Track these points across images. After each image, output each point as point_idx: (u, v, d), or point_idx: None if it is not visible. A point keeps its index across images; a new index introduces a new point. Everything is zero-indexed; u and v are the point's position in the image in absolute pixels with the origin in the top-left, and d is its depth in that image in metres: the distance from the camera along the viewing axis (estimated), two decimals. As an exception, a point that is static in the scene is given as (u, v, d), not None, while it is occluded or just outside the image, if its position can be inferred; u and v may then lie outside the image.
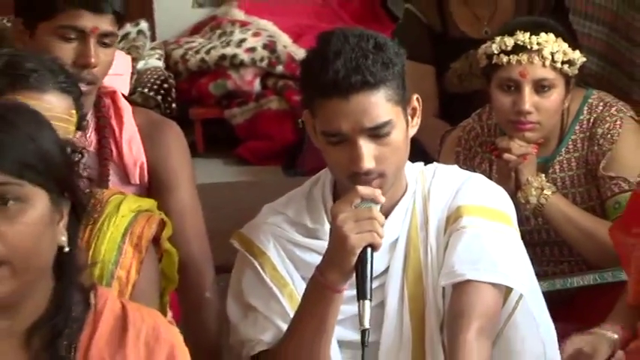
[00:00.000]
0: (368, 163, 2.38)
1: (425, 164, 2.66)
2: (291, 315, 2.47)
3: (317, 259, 2.43)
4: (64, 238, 1.91)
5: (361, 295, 2.31)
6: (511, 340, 2.52)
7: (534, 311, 2.53)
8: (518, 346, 2.53)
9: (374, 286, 2.40)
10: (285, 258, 2.55)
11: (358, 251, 2.31)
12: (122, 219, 2.52)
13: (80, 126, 2.45)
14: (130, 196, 2.63)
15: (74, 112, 2.42)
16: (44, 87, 2.37)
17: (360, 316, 2.29)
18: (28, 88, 2.35)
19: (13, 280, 1.83)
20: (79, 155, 2.41)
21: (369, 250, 2.32)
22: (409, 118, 2.47)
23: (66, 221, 1.92)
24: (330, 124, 2.40)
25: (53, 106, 2.37)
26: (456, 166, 2.69)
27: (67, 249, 1.92)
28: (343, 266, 2.33)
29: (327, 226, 2.45)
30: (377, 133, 2.39)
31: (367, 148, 2.39)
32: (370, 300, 2.30)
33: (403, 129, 2.44)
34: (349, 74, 2.36)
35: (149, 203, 2.63)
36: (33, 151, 1.86)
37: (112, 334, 1.94)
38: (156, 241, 2.58)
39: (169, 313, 2.99)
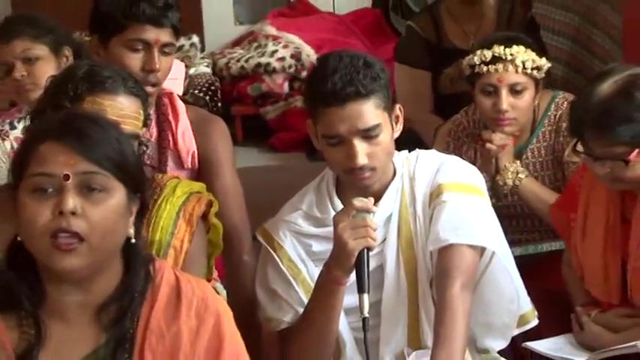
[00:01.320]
0: (362, 159, 2.39)
1: None
2: (305, 300, 2.48)
3: (325, 247, 2.45)
4: (131, 231, 1.90)
5: (360, 289, 2.31)
6: (487, 289, 2.52)
7: (507, 265, 2.52)
8: (495, 294, 2.53)
9: (374, 252, 2.42)
10: (299, 250, 2.55)
11: (356, 253, 2.32)
12: (177, 199, 2.52)
13: (146, 124, 2.45)
14: (184, 180, 2.63)
15: (141, 111, 2.41)
16: (117, 91, 2.37)
17: (361, 307, 2.30)
18: (104, 92, 2.35)
19: (89, 256, 1.81)
20: (144, 147, 2.44)
21: (365, 251, 2.33)
22: (393, 123, 2.48)
23: (134, 218, 1.91)
24: (330, 128, 2.41)
25: (124, 106, 2.36)
26: (434, 151, 2.70)
27: (133, 240, 1.91)
28: (344, 265, 2.34)
29: (332, 214, 2.44)
30: (368, 135, 2.40)
31: (361, 147, 2.39)
32: (368, 293, 2.31)
33: (389, 131, 2.45)
34: (345, 86, 2.37)
35: (199, 186, 2.62)
36: (117, 150, 1.86)
37: (167, 305, 1.90)
38: (205, 216, 2.57)
39: (215, 273, 3.01)
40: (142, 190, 1.93)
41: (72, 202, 1.78)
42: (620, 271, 2.74)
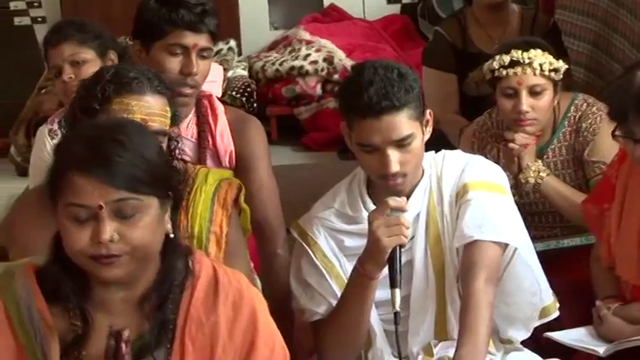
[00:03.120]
0: (395, 167, 2.39)
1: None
2: (338, 293, 2.48)
3: (358, 242, 2.45)
4: (169, 226, 1.90)
5: (392, 284, 2.32)
6: (510, 283, 2.52)
7: (528, 260, 2.52)
8: (517, 288, 2.53)
9: (404, 249, 2.41)
10: (333, 245, 2.55)
11: (389, 250, 2.32)
12: (210, 186, 2.53)
13: (174, 120, 2.43)
14: (213, 169, 2.64)
15: (168, 109, 2.40)
16: (143, 90, 2.35)
17: (393, 301, 2.30)
18: (131, 93, 2.34)
19: (130, 264, 1.83)
20: (175, 142, 2.44)
21: (398, 248, 2.33)
22: (424, 128, 2.47)
23: (169, 212, 1.91)
24: (365, 137, 2.40)
25: (151, 105, 2.35)
26: (459, 151, 2.69)
27: (172, 235, 1.90)
28: (378, 261, 2.34)
29: (364, 213, 2.45)
30: (401, 144, 2.39)
31: (394, 156, 2.39)
32: (400, 288, 2.31)
33: (420, 138, 2.44)
34: (380, 100, 2.36)
35: (228, 173, 2.63)
36: (142, 166, 1.83)
37: (206, 296, 1.91)
38: (234, 201, 2.57)
39: (251, 264, 3.02)
40: (173, 186, 1.91)
41: (108, 231, 1.78)
42: None
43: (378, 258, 2.34)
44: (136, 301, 1.89)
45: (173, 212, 1.92)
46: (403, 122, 2.38)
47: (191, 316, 1.88)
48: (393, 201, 2.34)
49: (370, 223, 2.34)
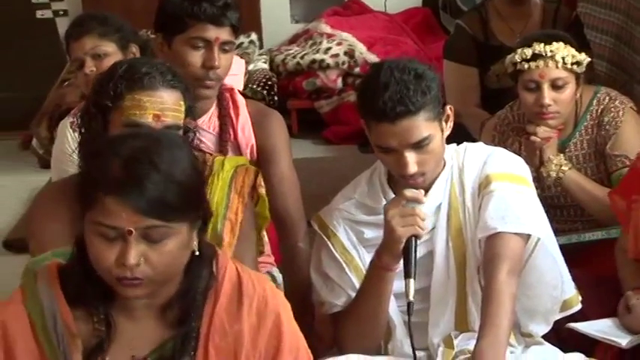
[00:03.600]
0: (412, 168, 2.39)
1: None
2: (357, 285, 2.48)
3: (377, 233, 2.44)
4: (195, 243, 1.87)
5: (407, 275, 2.32)
6: (531, 275, 2.51)
7: (552, 251, 2.51)
8: (538, 280, 2.52)
9: (424, 240, 2.43)
10: (352, 237, 2.55)
11: (404, 240, 2.32)
12: (227, 173, 2.54)
13: (190, 113, 2.40)
14: (229, 156, 2.64)
15: (182, 102, 2.37)
16: (156, 86, 2.33)
17: (406, 291, 2.31)
18: (143, 89, 2.32)
19: (152, 287, 1.82)
20: (192, 134, 2.43)
21: (413, 239, 2.33)
22: (444, 124, 2.46)
23: (196, 233, 1.87)
24: (381, 140, 2.40)
25: (164, 100, 2.32)
26: (481, 143, 2.68)
27: (197, 253, 1.88)
28: (393, 251, 2.35)
29: (384, 202, 2.44)
30: (419, 146, 2.38)
31: (411, 157, 2.38)
32: (414, 279, 2.31)
33: (439, 137, 2.43)
34: (395, 106, 2.34)
35: (244, 160, 2.63)
36: (174, 191, 1.79)
37: (230, 304, 1.89)
38: (252, 188, 2.57)
39: (272, 258, 3.02)
40: (204, 204, 1.89)
41: (134, 256, 1.76)
42: None
43: (393, 248, 2.34)
44: (159, 308, 1.88)
45: (200, 228, 1.89)
46: (420, 125, 2.37)
47: (214, 325, 1.87)
48: (410, 192, 2.34)
49: (385, 212, 2.35)
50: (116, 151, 1.81)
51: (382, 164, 2.56)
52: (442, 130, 2.45)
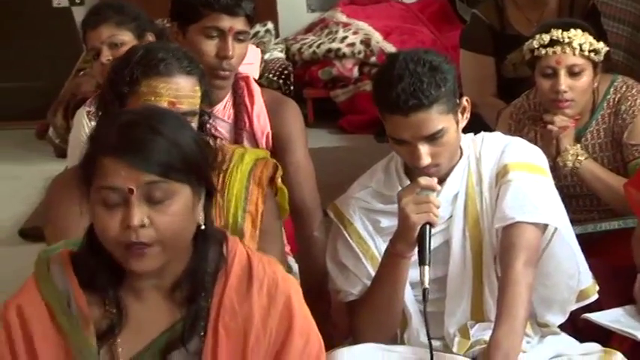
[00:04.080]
0: (426, 160, 2.38)
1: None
2: (373, 273, 2.48)
3: (394, 222, 2.43)
4: (201, 217, 1.87)
5: (421, 262, 2.31)
6: (548, 265, 2.50)
7: (569, 241, 2.51)
8: (555, 269, 2.52)
9: (441, 229, 2.44)
10: (368, 226, 2.54)
11: (418, 227, 2.32)
12: (246, 165, 2.53)
13: (205, 99, 2.40)
14: (249, 148, 2.64)
15: (198, 88, 2.37)
16: (172, 72, 2.33)
17: (421, 278, 2.31)
18: (159, 75, 2.32)
19: (161, 256, 1.81)
20: (207, 118, 2.42)
21: (427, 226, 2.32)
22: (460, 116, 2.45)
23: (202, 202, 1.88)
24: (395, 132, 2.39)
25: (180, 86, 2.33)
26: (498, 133, 2.67)
27: (203, 227, 1.88)
28: (407, 239, 2.34)
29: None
30: (432, 138, 2.37)
31: (424, 149, 2.37)
32: (429, 265, 2.31)
33: (454, 129, 2.42)
34: (408, 99, 2.33)
35: (264, 153, 2.63)
36: (176, 154, 1.80)
37: (239, 285, 1.89)
38: (271, 180, 2.58)
39: (287, 247, 3.02)
40: (207, 177, 1.89)
41: (138, 216, 1.76)
42: None
43: (407, 236, 2.34)
44: (168, 289, 1.88)
45: (206, 203, 1.89)
46: (433, 119, 2.36)
47: (224, 305, 1.87)
48: (424, 179, 2.34)
49: (399, 200, 2.35)
50: (117, 119, 1.84)
51: (398, 154, 2.57)
52: (457, 122, 2.44)
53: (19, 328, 1.84)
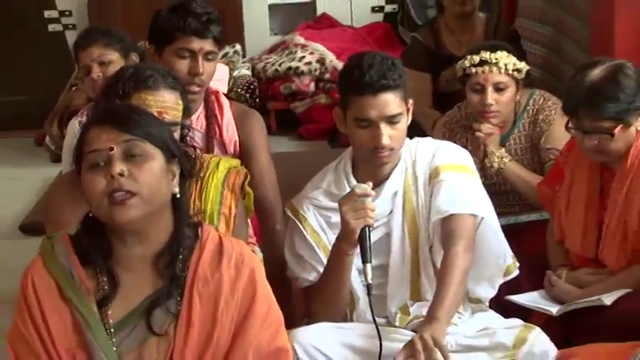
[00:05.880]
0: (385, 140, 2.40)
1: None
2: (324, 261, 2.48)
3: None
4: (176, 189, 1.92)
5: (364, 260, 2.31)
6: (482, 248, 2.51)
7: (495, 228, 2.53)
8: (486, 251, 2.53)
9: (382, 223, 2.44)
10: (321, 221, 2.54)
11: (358, 230, 2.32)
12: (220, 173, 2.52)
13: (185, 112, 2.43)
14: (223, 158, 2.63)
15: (180, 102, 2.40)
16: (158, 87, 2.36)
17: (365, 275, 2.31)
18: (148, 89, 2.34)
19: (142, 208, 1.84)
20: (187, 130, 2.44)
21: (366, 228, 2.32)
22: (407, 113, 2.47)
23: (177, 179, 1.93)
24: (363, 112, 2.40)
25: (165, 99, 2.35)
26: (430, 138, 2.68)
27: (178, 195, 1.92)
28: (349, 240, 2.34)
29: (348, 189, 2.43)
30: (392, 120, 2.41)
31: (385, 130, 2.40)
32: (370, 263, 2.30)
33: (405, 120, 2.45)
34: (379, 79, 2.38)
35: (236, 162, 2.62)
36: (154, 126, 1.91)
37: (212, 258, 1.92)
38: (241, 186, 2.57)
39: (254, 238, 3.01)
40: (179, 157, 1.94)
41: (118, 166, 1.82)
42: (596, 233, 2.75)
43: (349, 237, 2.34)
44: (152, 259, 1.90)
45: (181, 181, 1.94)
46: (396, 101, 2.40)
47: (198, 274, 1.89)
48: (359, 189, 2.34)
49: (340, 207, 2.34)
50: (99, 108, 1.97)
51: (347, 154, 2.56)
52: (407, 115, 2.47)
53: (34, 296, 1.87)
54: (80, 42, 3.28)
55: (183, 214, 1.94)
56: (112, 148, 1.83)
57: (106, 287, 1.88)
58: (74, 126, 3.19)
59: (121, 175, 1.82)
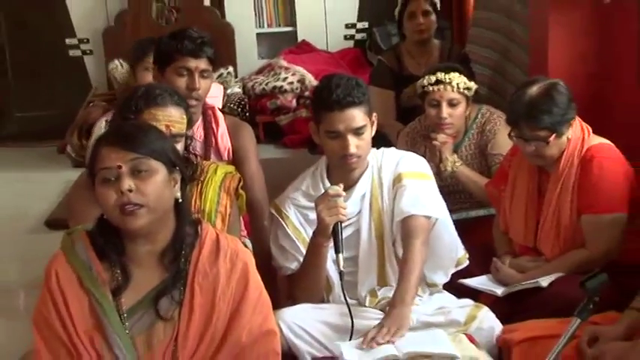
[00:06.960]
0: (352, 149, 2.39)
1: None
2: (304, 252, 2.47)
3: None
4: (178, 194, 1.91)
5: (336, 250, 2.33)
6: (435, 242, 2.51)
7: (447, 226, 2.53)
8: (440, 245, 2.53)
9: (353, 221, 2.44)
10: (300, 218, 2.54)
11: (331, 225, 2.32)
12: (218, 177, 2.52)
13: (189, 125, 2.43)
14: (220, 164, 2.63)
15: (184, 116, 2.40)
16: (166, 104, 2.36)
17: (337, 263, 2.32)
18: (157, 105, 2.34)
19: (149, 216, 1.84)
20: (190, 141, 2.43)
21: (339, 224, 2.33)
22: (371, 125, 2.46)
23: (179, 185, 1.92)
24: (331, 126, 2.40)
25: (172, 114, 2.36)
26: (394, 148, 2.67)
27: (180, 200, 1.91)
28: (324, 234, 2.35)
29: (323, 191, 2.43)
30: (358, 132, 2.40)
31: (352, 141, 2.39)
32: (342, 253, 2.32)
33: (369, 131, 2.44)
34: (345, 97, 2.37)
35: (231, 168, 2.62)
36: (157, 143, 1.89)
37: (210, 253, 1.91)
38: (235, 189, 2.56)
39: (244, 231, 2.99)
40: (180, 167, 1.93)
41: (127, 183, 1.81)
42: (535, 226, 2.75)
43: (324, 232, 2.34)
44: (158, 255, 1.90)
45: (182, 186, 1.92)
46: (360, 115, 2.39)
47: (199, 268, 1.89)
48: (332, 190, 2.34)
49: (316, 206, 2.35)
50: (110, 128, 1.95)
51: (323, 162, 2.55)
52: (371, 128, 2.46)
53: (58, 288, 1.86)
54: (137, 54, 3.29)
55: (184, 215, 1.93)
56: (120, 167, 1.82)
57: (119, 279, 1.88)
58: (102, 125, 3.20)
59: (130, 190, 1.81)
